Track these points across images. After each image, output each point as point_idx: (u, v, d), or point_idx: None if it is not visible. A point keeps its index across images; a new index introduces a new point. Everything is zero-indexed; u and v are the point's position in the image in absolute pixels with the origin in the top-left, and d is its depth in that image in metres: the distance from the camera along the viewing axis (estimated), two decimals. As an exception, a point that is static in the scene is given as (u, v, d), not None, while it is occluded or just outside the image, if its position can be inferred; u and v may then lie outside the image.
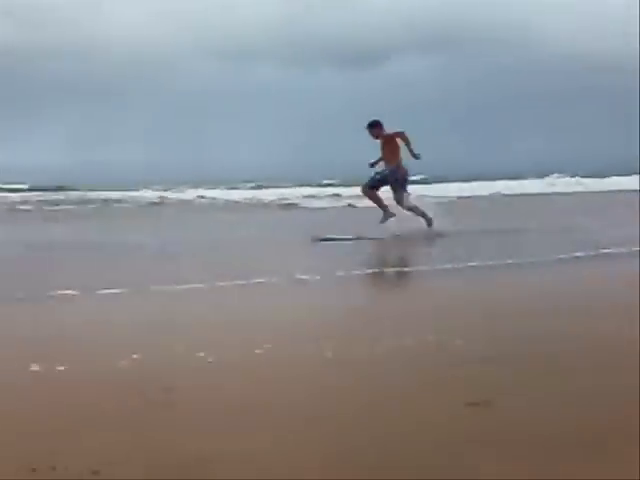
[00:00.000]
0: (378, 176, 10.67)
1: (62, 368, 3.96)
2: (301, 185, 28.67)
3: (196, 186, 26.48)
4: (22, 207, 19.94)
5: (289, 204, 21.77)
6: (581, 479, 2.48)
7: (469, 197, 23.68)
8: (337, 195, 24.06)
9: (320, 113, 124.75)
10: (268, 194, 25.08)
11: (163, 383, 3.65)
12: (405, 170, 10.68)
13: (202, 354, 4.19)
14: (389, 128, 11.00)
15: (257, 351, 4.25)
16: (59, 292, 6.33)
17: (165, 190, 25.58)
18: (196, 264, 8.46)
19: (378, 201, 10.54)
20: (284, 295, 6.57)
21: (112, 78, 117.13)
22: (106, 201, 22.18)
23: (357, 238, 10.26)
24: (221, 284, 6.86)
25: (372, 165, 10.92)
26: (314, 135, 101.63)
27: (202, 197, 23.76)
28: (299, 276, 7.09)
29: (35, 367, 3.97)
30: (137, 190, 25.66)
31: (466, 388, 3.51)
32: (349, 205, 20.61)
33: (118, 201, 22.27)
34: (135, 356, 4.16)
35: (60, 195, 24.22)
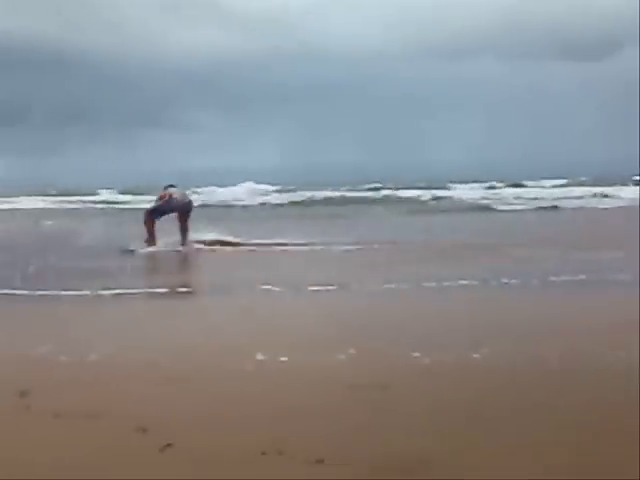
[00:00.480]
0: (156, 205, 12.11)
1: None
2: (512, 185, 27.99)
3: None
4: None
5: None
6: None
7: None
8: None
9: (546, 108, 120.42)
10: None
11: (375, 379, 3.76)
12: (181, 202, 11.81)
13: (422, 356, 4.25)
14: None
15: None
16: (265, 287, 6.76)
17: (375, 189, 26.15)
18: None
19: (151, 229, 11.61)
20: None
21: (329, 81, 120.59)
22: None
23: None
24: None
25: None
26: (537, 132, 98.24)
27: (437, 197, 23.84)
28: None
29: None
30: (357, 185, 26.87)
31: None
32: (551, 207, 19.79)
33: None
34: (352, 351, 4.32)
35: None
